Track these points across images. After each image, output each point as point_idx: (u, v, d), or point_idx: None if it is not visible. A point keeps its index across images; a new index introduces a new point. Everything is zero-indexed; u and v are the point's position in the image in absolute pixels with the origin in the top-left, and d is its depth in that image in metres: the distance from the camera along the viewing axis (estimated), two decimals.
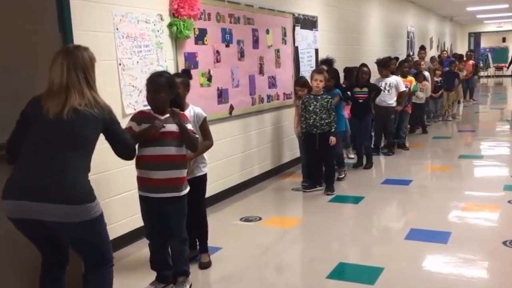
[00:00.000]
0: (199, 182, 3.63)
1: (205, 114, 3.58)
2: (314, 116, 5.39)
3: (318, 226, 4.66)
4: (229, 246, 4.15)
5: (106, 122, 2.51)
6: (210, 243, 3.83)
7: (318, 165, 5.70)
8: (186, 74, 3.63)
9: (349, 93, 6.62)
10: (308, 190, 5.65)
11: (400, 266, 3.61)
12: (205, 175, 3.67)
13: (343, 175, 6.14)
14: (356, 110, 6.64)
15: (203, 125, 3.56)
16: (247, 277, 3.63)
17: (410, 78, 8.14)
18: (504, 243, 3.91)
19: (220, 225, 4.66)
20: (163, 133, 3.01)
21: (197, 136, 3.12)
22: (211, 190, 5.10)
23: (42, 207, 2.32)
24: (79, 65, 2.44)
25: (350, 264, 3.69)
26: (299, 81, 5.92)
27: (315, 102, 5.40)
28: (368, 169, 6.64)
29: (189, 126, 3.13)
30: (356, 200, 5.33)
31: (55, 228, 2.41)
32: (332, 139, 5.42)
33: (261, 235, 4.48)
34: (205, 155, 3.65)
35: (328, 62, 6.46)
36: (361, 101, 6.56)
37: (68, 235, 2.47)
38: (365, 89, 6.57)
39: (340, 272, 3.55)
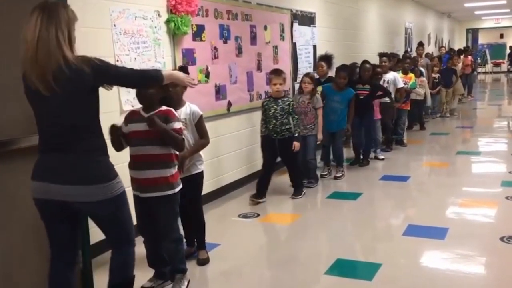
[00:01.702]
0: (196, 180, 3.63)
1: (201, 112, 3.57)
2: (274, 121, 5.02)
3: (316, 223, 4.67)
4: (228, 242, 4.16)
5: (94, 76, 2.32)
6: (209, 239, 3.84)
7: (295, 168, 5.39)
8: (183, 71, 3.62)
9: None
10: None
11: (398, 262, 3.62)
12: (201, 173, 3.66)
13: (340, 174, 6.07)
14: (356, 107, 6.60)
15: (199, 123, 3.55)
16: (245, 273, 3.63)
17: (411, 74, 8.08)
18: (502, 239, 3.92)
19: (219, 221, 4.66)
20: (146, 132, 2.96)
21: (182, 137, 3.05)
22: (209, 186, 5.11)
23: (62, 189, 2.36)
24: (55, 20, 2.27)
25: (348, 260, 3.70)
26: (308, 75, 5.67)
27: (275, 106, 5.04)
28: (363, 167, 6.64)
29: (177, 125, 3.05)
30: (354, 196, 5.33)
31: (80, 207, 2.44)
32: (296, 145, 5.06)
33: (259, 232, 4.49)
34: (202, 152, 3.65)
35: (327, 58, 6.43)
36: (361, 97, 6.54)
37: (92, 213, 2.52)
38: (367, 86, 6.56)
39: (338, 268, 3.56)
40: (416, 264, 3.61)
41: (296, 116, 5.11)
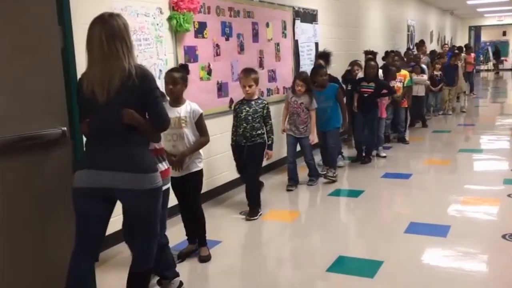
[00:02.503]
0: (195, 178, 3.63)
1: (201, 110, 3.59)
2: (244, 125, 4.49)
3: (318, 220, 4.67)
4: (229, 239, 4.16)
5: (144, 92, 2.54)
6: (210, 236, 3.84)
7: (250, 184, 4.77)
8: (184, 69, 3.62)
9: (348, 87, 6.60)
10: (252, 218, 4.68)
11: (400, 260, 3.62)
12: (201, 171, 3.66)
13: (332, 175, 5.76)
14: (360, 105, 6.60)
15: (199, 121, 3.56)
16: (246, 271, 3.64)
17: (404, 72, 7.90)
18: (504, 236, 3.91)
19: (220, 219, 4.66)
20: None
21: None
22: (210, 183, 5.12)
23: (110, 175, 2.51)
24: (116, 34, 2.48)
25: (350, 258, 3.70)
26: (301, 77, 5.48)
27: (247, 108, 4.51)
28: (365, 164, 6.64)
29: None
30: (356, 193, 5.33)
31: (121, 195, 2.57)
32: (269, 153, 4.63)
33: (261, 229, 4.49)
34: (201, 150, 3.66)
35: (325, 56, 6.30)
36: (366, 95, 6.53)
37: (130, 204, 2.63)
38: (372, 84, 6.53)
39: (340, 265, 3.56)
40: (417, 261, 3.61)
41: (270, 122, 4.61)
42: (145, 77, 2.54)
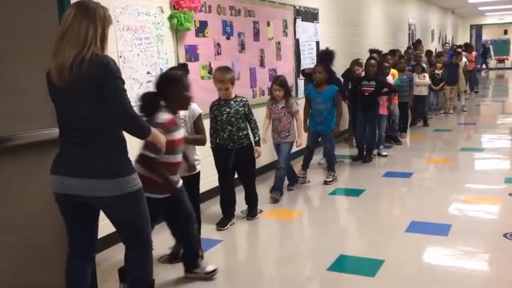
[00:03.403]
0: (193, 180, 3.65)
1: (200, 110, 3.61)
2: (229, 128, 4.21)
3: (319, 219, 4.67)
4: (229, 238, 4.16)
5: (99, 82, 2.26)
6: (211, 235, 3.85)
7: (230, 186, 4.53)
8: (184, 68, 3.62)
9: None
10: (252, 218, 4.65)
11: (401, 259, 3.62)
12: (198, 173, 3.68)
13: (331, 179, 5.69)
14: (361, 103, 6.59)
15: (198, 121, 3.59)
16: (247, 270, 3.64)
17: (393, 71, 7.71)
18: (505, 235, 3.91)
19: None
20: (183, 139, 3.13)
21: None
22: (211, 183, 5.10)
23: (79, 183, 2.35)
24: (89, 15, 2.27)
25: (351, 257, 3.70)
26: (277, 81, 5.11)
27: (227, 109, 4.20)
28: (366, 163, 6.63)
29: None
30: (357, 192, 5.33)
31: (96, 202, 2.43)
32: (258, 150, 4.39)
33: (261, 228, 4.49)
34: (199, 152, 3.67)
35: (327, 57, 5.92)
36: (367, 94, 6.51)
37: (107, 209, 2.48)
38: (373, 83, 6.51)
39: (341, 264, 3.56)
40: (419, 260, 3.61)
41: (254, 118, 4.36)
42: (99, 64, 2.25)
